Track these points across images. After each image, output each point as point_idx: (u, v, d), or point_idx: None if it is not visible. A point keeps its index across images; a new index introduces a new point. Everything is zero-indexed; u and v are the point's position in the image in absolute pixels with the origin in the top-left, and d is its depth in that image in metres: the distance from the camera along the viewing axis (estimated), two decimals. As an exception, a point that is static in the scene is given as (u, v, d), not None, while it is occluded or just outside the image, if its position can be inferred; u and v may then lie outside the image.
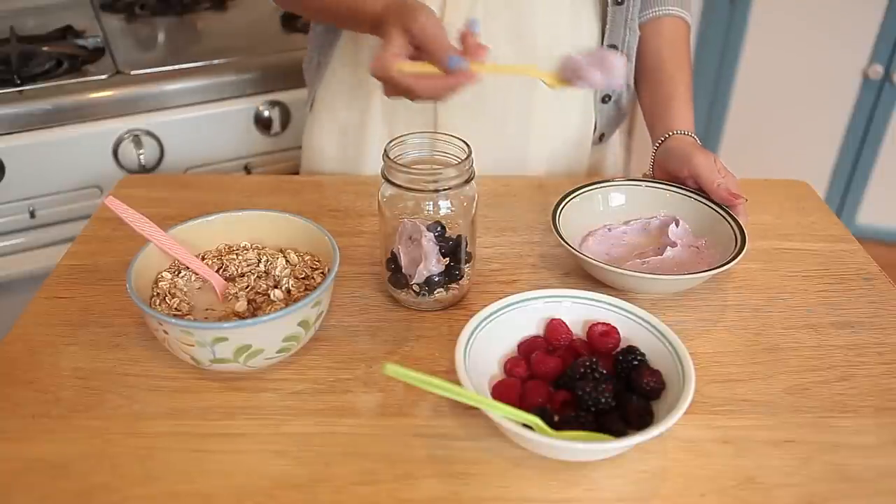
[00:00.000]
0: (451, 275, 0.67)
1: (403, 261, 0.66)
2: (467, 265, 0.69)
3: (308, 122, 1.02)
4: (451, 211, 0.65)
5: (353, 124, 0.96)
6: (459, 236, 0.67)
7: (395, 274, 0.68)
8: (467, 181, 0.64)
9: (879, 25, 1.94)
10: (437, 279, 0.66)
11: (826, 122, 2.10)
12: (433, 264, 0.65)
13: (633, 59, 0.92)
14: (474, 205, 0.67)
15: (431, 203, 0.65)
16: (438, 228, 0.66)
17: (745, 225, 0.73)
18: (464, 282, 0.69)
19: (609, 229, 0.78)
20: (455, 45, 0.65)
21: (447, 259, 0.66)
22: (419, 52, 0.65)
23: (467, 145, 0.65)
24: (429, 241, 0.64)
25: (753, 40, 2.05)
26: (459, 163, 0.64)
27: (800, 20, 1.99)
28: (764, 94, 2.10)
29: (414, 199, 0.65)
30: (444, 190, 0.63)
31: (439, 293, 0.67)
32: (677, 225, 0.75)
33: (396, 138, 0.66)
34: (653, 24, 0.92)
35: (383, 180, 0.65)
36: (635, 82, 0.95)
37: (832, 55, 2.00)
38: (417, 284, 0.66)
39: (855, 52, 1.99)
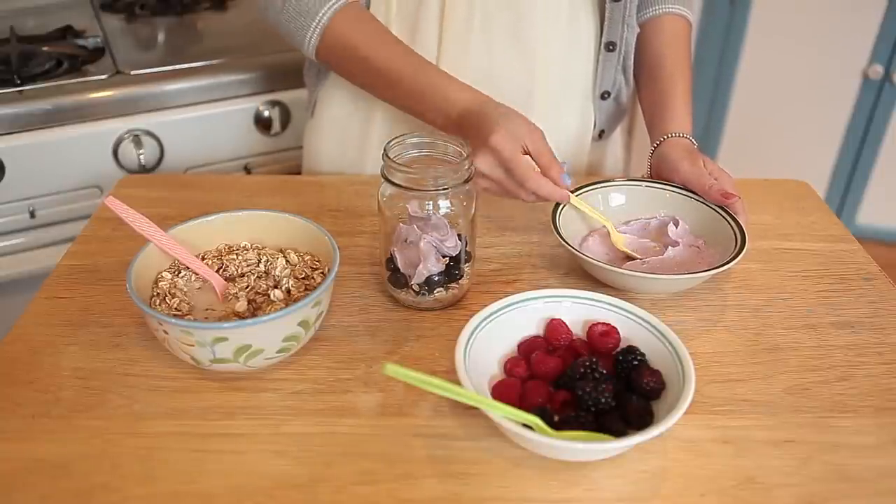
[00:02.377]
0: (450, 274, 0.67)
1: (400, 262, 0.66)
2: (467, 265, 0.69)
3: (309, 126, 1.02)
4: (451, 211, 0.65)
5: (355, 129, 0.96)
6: (459, 236, 0.67)
7: (395, 273, 0.68)
8: (467, 181, 0.64)
9: (879, 25, 1.94)
10: (436, 279, 0.66)
11: (826, 122, 2.10)
12: (432, 264, 0.65)
13: (632, 56, 0.92)
14: (474, 204, 0.67)
15: (431, 203, 0.65)
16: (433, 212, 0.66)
17: (746, 224, 0.73)
18: (464, 281, 0.69)
19: (609, 229, 0.78)
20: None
21: (447, 259, 0.66)
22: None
23: (467, 145, 0.65)
24: (427, 243, 0.65)
25: (753, 40, 2.05)
26: (459, 162, 0.64)
27: (800, 20, 1.99)
28: (764, 94, 2.10)
29: (414, 199, 0.65)
30: (444, 189, 0.63)
31: (439, 293, 0.67)
32: (676, 225, 0.76)
33: (396, 138, 0.66)
34: (654, 23, 0.92)
35: (383, 180, 0.65)
36: (636, 81, 0.95)
37: (832, 55, 2.00)
38: (417, 284, 0.66)
39: (855, 52, 1.99)
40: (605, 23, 0.88)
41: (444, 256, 0.66)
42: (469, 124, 0.75)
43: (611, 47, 0.90)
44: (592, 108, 0.95)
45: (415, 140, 0.67)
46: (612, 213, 0.79)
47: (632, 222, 0.79)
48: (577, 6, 0.88)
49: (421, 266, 0.65)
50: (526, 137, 0.72)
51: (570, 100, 0.94)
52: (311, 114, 1.01)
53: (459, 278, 0.68)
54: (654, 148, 0.84)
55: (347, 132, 0.96)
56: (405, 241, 0.66)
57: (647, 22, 0.92)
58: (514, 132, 0.71)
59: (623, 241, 0.76)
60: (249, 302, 0.62)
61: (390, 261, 0.68)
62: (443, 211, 0.65)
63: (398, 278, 0.68)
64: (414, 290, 0.67)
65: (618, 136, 1.05)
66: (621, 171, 1.08)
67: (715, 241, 0.74)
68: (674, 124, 0.84)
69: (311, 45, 0.83)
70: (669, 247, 0.74)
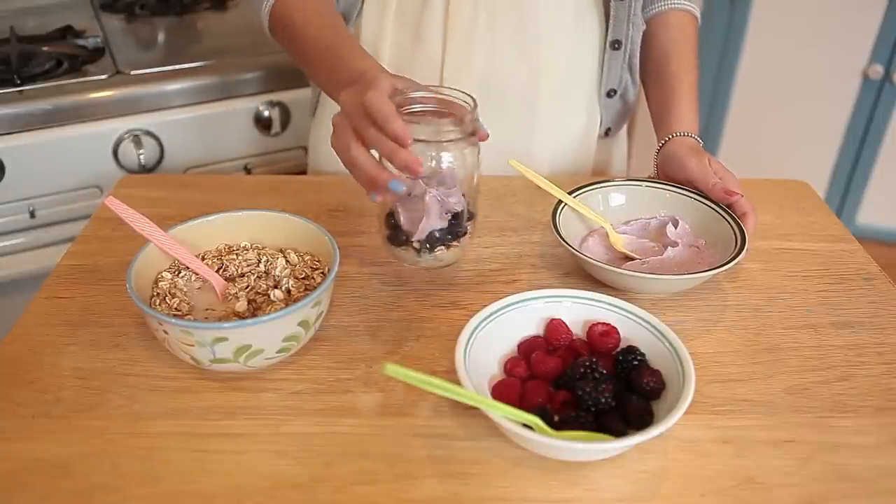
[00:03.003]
0: (453, 231, 0.66)
1: (403, 219, 0.65)
2: (469, 222, 0.68)
3: (312, 125, 1.02)
4: (454, 165, 0.64)
5: None
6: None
7: (395, 231, 0.66)
8: (471, 134, 0.63)
9: (879, 25, 1.94)
10: (438, 235, 0.65)
11: (826, 122, 2.10)
12: (435, 220, 0.64)
13: (638, 54, 0.92)
14: (478, 159, 0.65)
15: (435, 155, 0.63)
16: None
17: (755, 226, 0.73)
18: (465, 240, 0.68)
19: (609, 229, 0.78)
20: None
21: (449, 214, 0.65)
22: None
23: (473, 98, 0.64)
24: (432, 197, 0.63)
25: (753, 40, 2.05)
26: (464, 115, 0.62)
27: (800, 20, 1.99)
28: (764, 94, 2.10)
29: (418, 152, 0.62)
30: (449, 141, 0.62)
31: (440, 251, 0.66)
32: (675, 226, 0.76)
33: (400, 91, 0.63)
34: (659, 18, 0.91)
35: None
36: (642, 78, 0.95)
37: (832, 55, 2.00)
38: (418, 241, 0.65)
39: (855, 52, 1.99)
40: (611, 21, 0.88)
41: (447, 212, 0.65)
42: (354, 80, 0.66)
43: (616, 45, 0.90)
44: (598, 107, 0.95)
45: (419, 94, 0.65)
46: (612, 213, 0.79)
47: (632, 222, 0.79)
48: (582, 5, 0.88)
49: (424, 221, 0.63)
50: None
51: (575, 99, 0.93)
52: (312, 113, 1.01)
53: (462, 235, 0.67)
54: (661, 146, 0.84)
55: None
56: (408, 194, 0.64)
57: (654, 17, 0.92)
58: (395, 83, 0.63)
59: (622, 241, 0.76)
60: (249, 302, 0.62)
61: (390, 216, 0.66)
62: (446, 165, 0.64)
63: (398, 235, 0.66)
64: (415, 248, 0.66)
65: (623, 135, 1.05)
66: (625, 172, 1.08)
67: (715, 241, 0.74)
68: (679, 123, 0.84)
69: (265, 23, 0.84)
70: (669, 247, 0.74)
